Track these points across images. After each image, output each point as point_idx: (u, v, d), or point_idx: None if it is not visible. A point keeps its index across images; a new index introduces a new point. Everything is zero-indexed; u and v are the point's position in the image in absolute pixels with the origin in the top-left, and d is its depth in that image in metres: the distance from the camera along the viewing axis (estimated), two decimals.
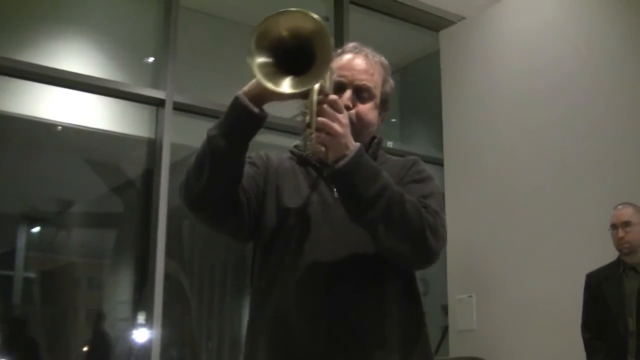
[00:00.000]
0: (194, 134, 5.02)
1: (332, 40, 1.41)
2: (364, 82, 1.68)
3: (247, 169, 1.63)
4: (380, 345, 1.54)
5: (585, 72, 4.40)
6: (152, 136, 4.47)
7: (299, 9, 1.41)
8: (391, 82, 1.77)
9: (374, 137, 1.76)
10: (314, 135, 1.47)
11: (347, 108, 1.62)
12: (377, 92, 1.71)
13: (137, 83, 4.50)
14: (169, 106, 4.41)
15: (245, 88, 1.52)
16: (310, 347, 1.52)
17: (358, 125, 1.65)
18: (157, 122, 4.46)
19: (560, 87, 4.50)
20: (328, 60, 1.41)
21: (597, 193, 4.13)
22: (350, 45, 1.76)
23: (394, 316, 1.57)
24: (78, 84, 4.25)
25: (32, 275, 4.50)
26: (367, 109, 1.68)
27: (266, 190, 1.66)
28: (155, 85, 4.51)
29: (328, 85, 1.51)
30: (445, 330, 5.00)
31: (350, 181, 1.47)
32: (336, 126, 1.46)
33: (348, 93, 1.66)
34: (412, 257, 1.55)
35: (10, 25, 4.21)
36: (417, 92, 6.20)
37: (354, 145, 1.49)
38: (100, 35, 4.54)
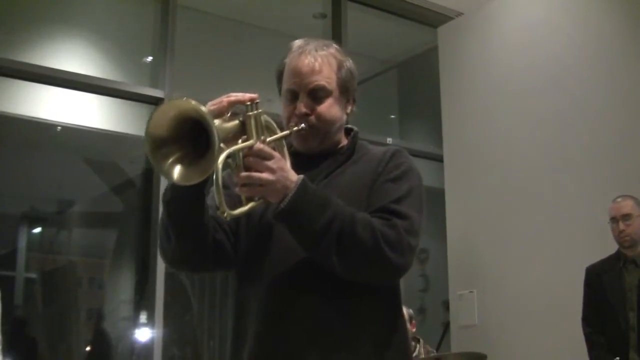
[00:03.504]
0: None
1: (213, 124, 1.32)
2: (314, 84, 1.62)
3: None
4: (350, 349, 1.51)
5: (582, 66, 4.39)
6: None
7: (174, 100, 1.38)
8: (348, 64, 1.68)
9: (350, 130, 1.72)
10: (241, 190, 1.45)
11: (306, 115, 1.61)
12: (333, 85, 1.64)
13: (136, 82, 4.50)
14: None
15: None
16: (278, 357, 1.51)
17: (322, 126, 1.63)
18: None
19: (558, 82, 4.49)
20: (215, 146, 1.32)
21: (597, 187, 4.12)
22: (295, 45, 1.67)
23: (363, 322, 1.54)
24: (77, 84, 4.24)
25: (33, 275, 4.50)
26: (327, 107, 1.63)
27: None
28: (153, 84, 4.50)
29: (253, 130, 1.46)
30: (446, 326, 5.00)
31: (295, 220, 1.47)
32: (266, 176, 1.44)
33: (302, 100, 1.61)
34: (374, 277, 1.52)
35: (8, 26, 4.21)
36: (416, 88, 6.19)
37: (293, 183, 1.46)
38: (99, 35, 4.54)
